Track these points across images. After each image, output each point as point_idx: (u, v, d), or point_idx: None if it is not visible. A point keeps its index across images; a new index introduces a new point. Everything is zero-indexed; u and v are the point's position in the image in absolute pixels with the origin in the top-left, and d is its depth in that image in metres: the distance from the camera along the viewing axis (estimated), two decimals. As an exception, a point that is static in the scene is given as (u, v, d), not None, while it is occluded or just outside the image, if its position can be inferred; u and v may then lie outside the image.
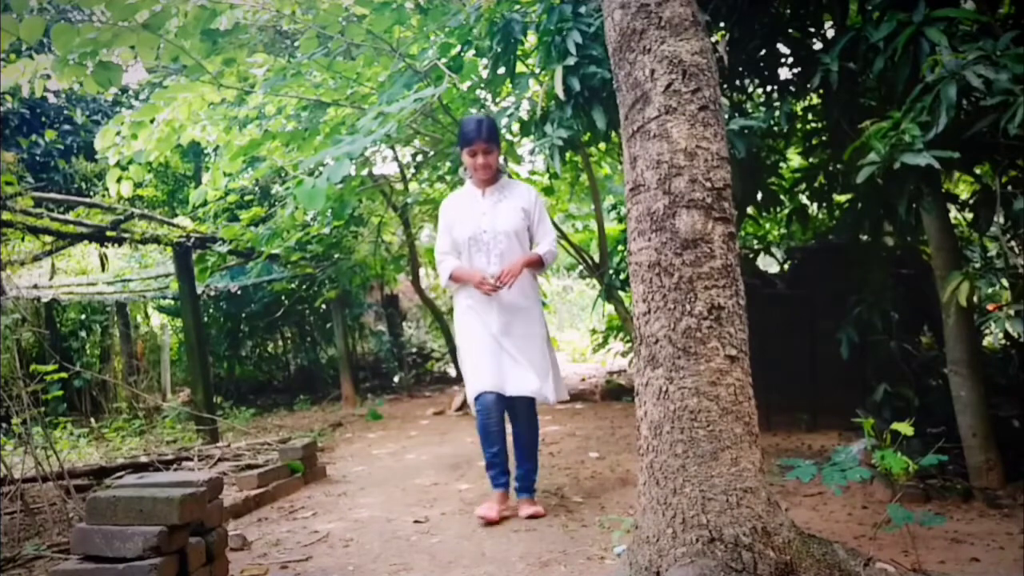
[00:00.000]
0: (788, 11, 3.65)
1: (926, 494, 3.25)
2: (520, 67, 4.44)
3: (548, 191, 7.71)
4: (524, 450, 3.38)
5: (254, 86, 5.03)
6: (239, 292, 9.71)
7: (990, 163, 3.11)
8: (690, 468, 2.08)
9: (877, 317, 4.09)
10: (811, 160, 4.63)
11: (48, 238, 5.87)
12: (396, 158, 7.56)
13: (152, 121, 4.94)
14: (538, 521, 3.22)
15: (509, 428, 3.42)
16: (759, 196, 4.36)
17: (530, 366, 3.27)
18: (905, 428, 2.43)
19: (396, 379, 10.35)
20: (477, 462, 4.63)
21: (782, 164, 4.70)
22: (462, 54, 4.52)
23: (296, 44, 6.11)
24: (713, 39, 2.92)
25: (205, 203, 7.02)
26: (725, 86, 4.03)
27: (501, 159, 3.52)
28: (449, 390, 9.23)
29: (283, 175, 7.14)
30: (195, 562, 2.28)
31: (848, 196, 4.27)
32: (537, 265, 3.37)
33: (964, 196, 4.06)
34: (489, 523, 3.17)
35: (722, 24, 3.71)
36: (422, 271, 9.57)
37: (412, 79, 4.45)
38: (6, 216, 4.92)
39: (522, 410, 3.35)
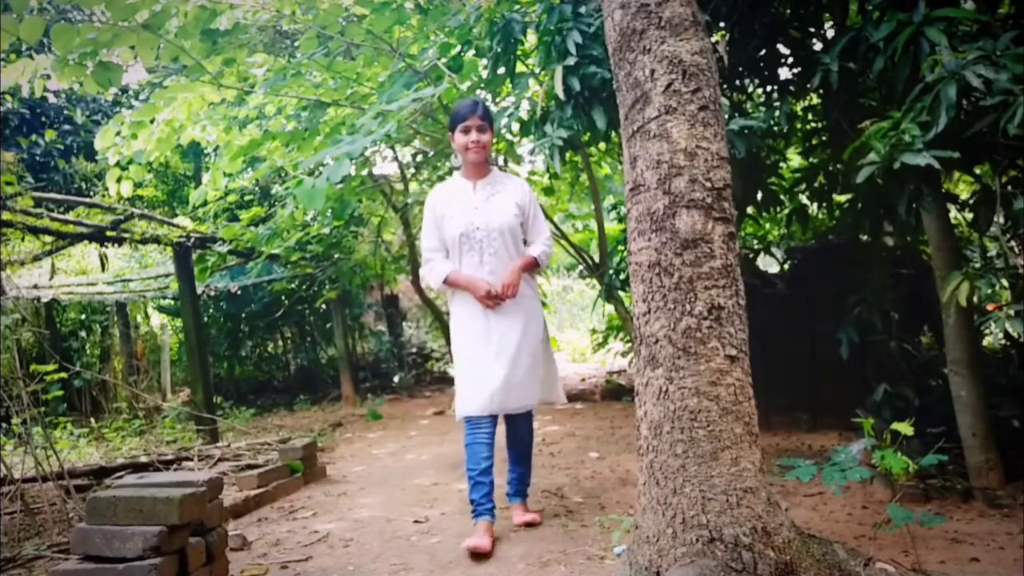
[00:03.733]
0: (788, 11, 3.65)
1: (926, 494, 3.25)
2: (520, 67, 4.43)
3: (548, 191, 7.71)
4: (519, 454, 3.22)
5: (254, 86, 5.02)
6: (239, 292, 9.71)
7: (990, 163, 3.11)
8: (690, 468, 2.08)
9: (877, 317, 4.09)
10: (811, 160, 4.63)
11: (48, 238, 5.87)
12: (396, 158, 7.56)
13: (152, 121, 4.94)
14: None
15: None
16: (759, 196, 4.36)
17: (532, 374, 3.10)
18: (905, 428, 2.43)
19: (396, 379, 10.36)
20: (477, 462, 4.63)
21: (782, 164, 4.69)
22: (462, 54, 4.52)
23: (296, 44, 6.11)
24: (713, 39, 2.93)
25: (205, 203, 7.01)
26: (725, 86, 4.03)
27: (494, 153, 3.27)
28: (449, 390, 9.23)
29: (283, 175, 7.13)
30: (195, 562, 2.28)
31: (848, 196, 4.26)
32: (533, 268, 3.16)
33: (964, 196, 4.06)
34: (482, 554, 2.77)
35: (722, 24, 3.71)
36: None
37: (412, 79, 4.45)
38: (6, 216, 4.92)
39: (520, 415, 3.17)
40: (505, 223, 3.07)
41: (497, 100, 5.47)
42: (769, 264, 5.96)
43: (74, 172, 9.04)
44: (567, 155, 4.33)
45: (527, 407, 3.12)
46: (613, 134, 4.01)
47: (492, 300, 3.03)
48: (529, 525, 3.12)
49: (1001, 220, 3.14)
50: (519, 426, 3.19)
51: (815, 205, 4.77)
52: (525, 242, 3.19)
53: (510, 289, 3.03)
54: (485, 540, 2.82)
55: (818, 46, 3.74)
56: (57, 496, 3.43)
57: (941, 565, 2.47)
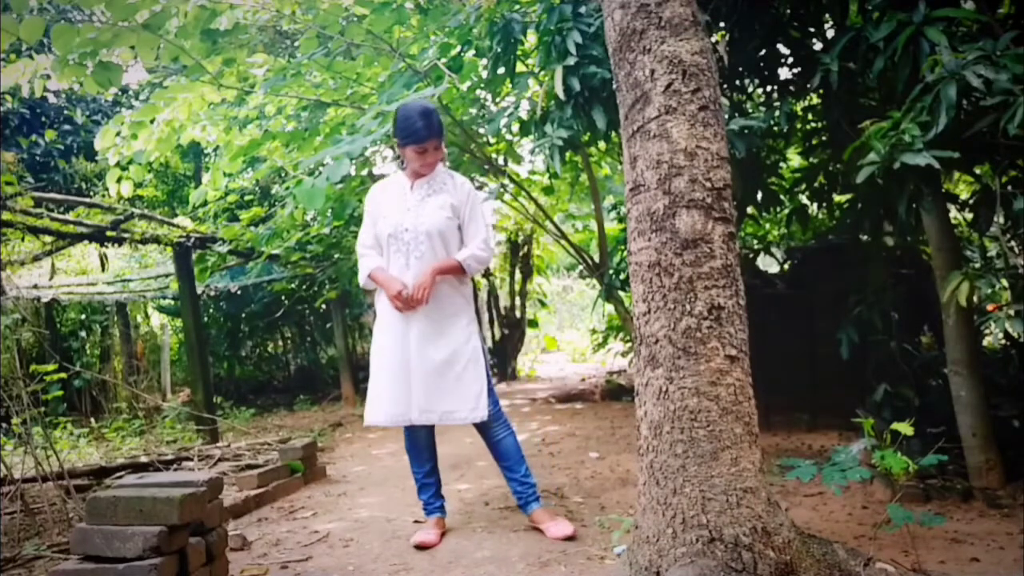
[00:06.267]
0: (788, 11, 3.65)
1: (926, 494, 3.25)
2: (520, 67, 4.43)
3: (548, 191, 7.71)
4: (504, 465, 3.08)
5: (254, 86, 5.03)
6: (239, 292, 9.72)
7: (990, 163, 3.11)
8: (690, 468, 2.08)
9: (877, 317, 4.10)
10: (811, 160, 4.63)
11: (48, 238, 5.87)
12: (396, 158, 7.55)
13: (152, 121, 4.94)
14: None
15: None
16: (759, 196, 4.36)
17: (456, 385, 2.90)
18: (905, 428, 2.43)
19: (396, 379, 10.33)
20: (476, 462, 4.63)
21: (782, 164, 4.70)
22: (462, 54, 4.52)
23: (296, 44, 6.11)
24: (713, 39, 2.93)
25: (205, 203, 7.02)
26: (725, 86, 4.03)
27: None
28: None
29: (283, 175, 7.14)
30: (195, 562, 2.28)
31: (848, 196, 4.27)
32: (456, 272, 2.93)
33: (964, 196, 4.06)
34: (428, 547, 2.89)
35: (722, 24, 3.71)
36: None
37: (412, 79, 4.45)
38: (6, 216, 4.92)
39: (484, 425, 3.01)
40: (434, 226, 2.90)
41: (497, 100, 5.48)
42: (769, 264, 5.96)
43: (74, 172, 9.05)
44: (567, 155, 4.34)
45: (459, 419, 2.92)
46: (613, 134, 4.01)
47: (403, 303, 2.86)
48: (568, 539, 2.88)
49: (1001, 220, 3.15)
50: (487, 437, 3.06)
51: (815, 205, 4.78)
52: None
53: (420, 291, 2.83)
54: (432, 535, 2.96)
55: (818, 46, 3.75)
56: (57, 496, 3.43)
57: (941, 565, 2.47)
